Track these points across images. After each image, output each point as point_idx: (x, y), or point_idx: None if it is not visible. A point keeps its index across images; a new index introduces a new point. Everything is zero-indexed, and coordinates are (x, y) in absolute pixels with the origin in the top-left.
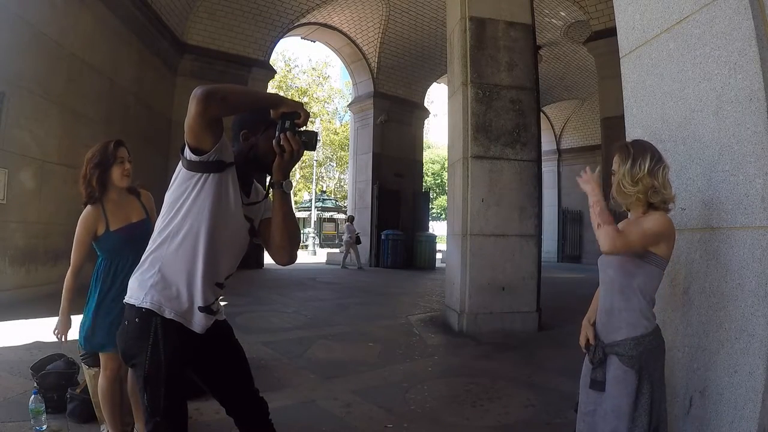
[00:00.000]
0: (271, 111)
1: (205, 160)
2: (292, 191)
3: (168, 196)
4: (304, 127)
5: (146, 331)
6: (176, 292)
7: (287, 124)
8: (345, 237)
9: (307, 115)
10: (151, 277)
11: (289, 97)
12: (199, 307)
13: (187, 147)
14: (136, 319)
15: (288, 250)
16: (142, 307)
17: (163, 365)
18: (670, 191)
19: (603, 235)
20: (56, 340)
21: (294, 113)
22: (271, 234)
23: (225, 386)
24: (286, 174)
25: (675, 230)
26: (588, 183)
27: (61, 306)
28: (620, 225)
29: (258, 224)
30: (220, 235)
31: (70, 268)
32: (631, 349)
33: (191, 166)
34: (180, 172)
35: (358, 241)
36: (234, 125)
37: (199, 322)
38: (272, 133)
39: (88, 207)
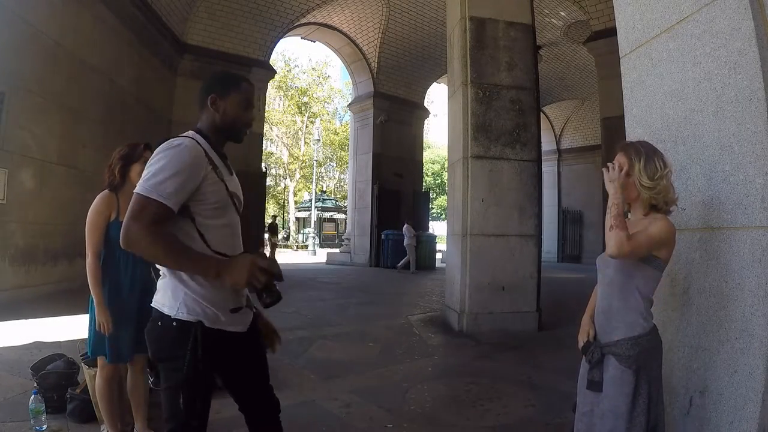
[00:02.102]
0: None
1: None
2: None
3: None
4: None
5: (185, 338)
6: (210, 299)
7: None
8: (406, 240)
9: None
10: (179, 284)
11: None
12: (232, 309)
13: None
14: (173, 324)
15: None
16: (177, 318)
17: (202, 371)
18: (674, 194)
19: (614, 238)
20: (57, 339)
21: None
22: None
23: (244, 383)
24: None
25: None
26: (613, 183)
27: (96, 299)
28: None
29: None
30: (231, 228)
31: (91, 255)
32: (629, 349)
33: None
34: None
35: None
36: (202, 91)
37: (234, 323)
38: (240, 98)
39: (103, 193)
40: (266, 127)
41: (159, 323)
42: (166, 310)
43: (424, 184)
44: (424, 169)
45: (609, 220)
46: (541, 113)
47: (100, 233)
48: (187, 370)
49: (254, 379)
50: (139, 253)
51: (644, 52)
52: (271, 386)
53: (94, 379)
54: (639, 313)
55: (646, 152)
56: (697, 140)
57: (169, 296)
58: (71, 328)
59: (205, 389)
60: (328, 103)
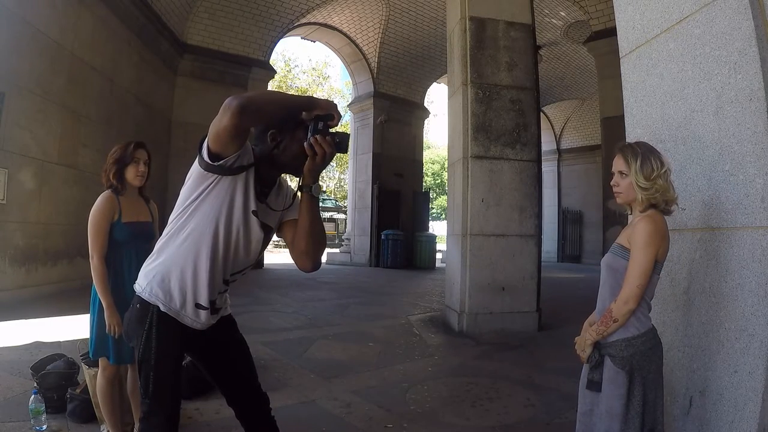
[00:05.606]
0: (304, 113)
1: (223, 165)
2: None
3: (182, 192)
4: (336, 129)
5: (144, 318)
6: (172, 287)
7: (320, 125)
8: None
9: (340, 116)
10: (154, 268)
11: (322, 98)
12: (196, 304)
13: (207, 150)
14: (138, 305)
15: (312, 256)
16: (142, 297)
17: (153, 353)
18: (674, 193)
19: (624, 309)
20: (57, 339)
21: (327, 115)
22: (296, 238)
23: (227, 377)
24: (316, 177)
25: (666, 229)
26: (584, 344)
27: (105, 302)
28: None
29: (277, 226)
30: (226, 237)
31: (96, 258)
32: (622, 350)
33: (208, 167)
34: (195, 170)
35: None
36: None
37: (194, 319)
38: (300, 135)
39: (105, 194)
40: None
41: (132, 305)
42: (137, 288)
43: (424, 184)
44: (424, 169)
45: (617, 320)
46: (541, 113)
47: (105, 235)
48: (142, 350)
49: (236, 375)
50: (255, 114)
51: (644, 52)
52: (259, 383)
53: (94, 379)
54: (633, 314)
55: (642, 153)
56: (697, 140)
57: (143, 276)
58: (71, 328)
59: (160, 372)
60: None
